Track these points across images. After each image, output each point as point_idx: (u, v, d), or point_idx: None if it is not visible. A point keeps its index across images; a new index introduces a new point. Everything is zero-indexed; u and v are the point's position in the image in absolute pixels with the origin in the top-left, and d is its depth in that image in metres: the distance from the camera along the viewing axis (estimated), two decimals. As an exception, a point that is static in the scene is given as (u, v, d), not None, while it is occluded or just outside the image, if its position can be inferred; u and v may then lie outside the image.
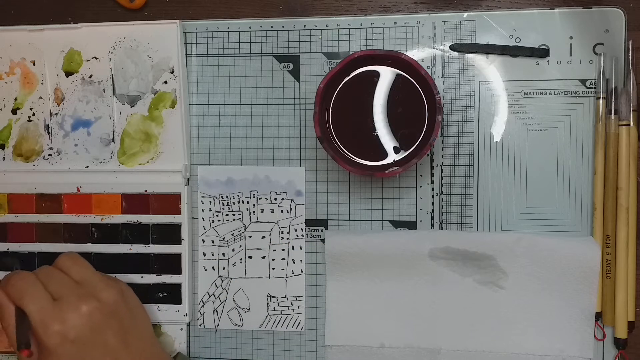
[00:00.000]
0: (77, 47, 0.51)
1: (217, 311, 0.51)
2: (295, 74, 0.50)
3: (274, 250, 0.50)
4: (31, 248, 0.52)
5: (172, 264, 0.51)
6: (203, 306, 0.51)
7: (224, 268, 0.51)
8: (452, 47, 0.48)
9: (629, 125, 0.46)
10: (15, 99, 0.52)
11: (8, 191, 0.52)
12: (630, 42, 0.46)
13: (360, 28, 0.49)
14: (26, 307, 0.40)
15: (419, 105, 0.45)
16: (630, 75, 0.45)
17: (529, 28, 0.47)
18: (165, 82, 0.50)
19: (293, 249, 0.50)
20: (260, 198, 0.51)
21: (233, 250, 0.51)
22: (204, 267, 0.51)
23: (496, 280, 0.47)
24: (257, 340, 0.51)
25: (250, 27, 0.50)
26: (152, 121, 0.50)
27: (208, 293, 0.51)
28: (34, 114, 0.52)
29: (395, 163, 0.45)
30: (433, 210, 0.49)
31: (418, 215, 0.49)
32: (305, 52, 0.50)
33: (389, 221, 0.50)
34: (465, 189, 0.49)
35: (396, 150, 0.45)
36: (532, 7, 0.48)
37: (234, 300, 0.51)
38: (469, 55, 0.48)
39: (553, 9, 0.47)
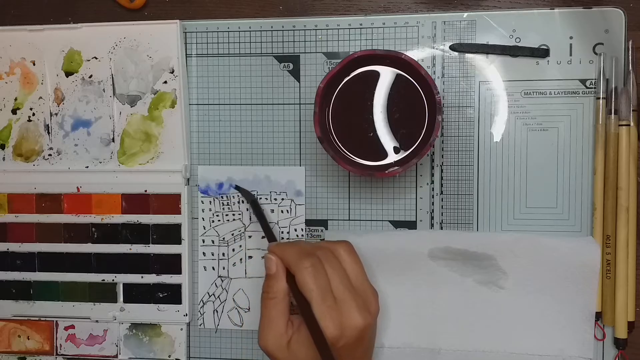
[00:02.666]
0: (77, 47, 0.51)
1: (217, 311, 0.51)
2: (295, 74, 0.50)
3: (274, 250, 0.50)
4: (31, 248, 0.52)
5: (172, 264, 0.51)
6: (203, 306, 0.51)
7: (224, 268, 0.51)
8: (452, 47, 0.48)
9: (629, 125, 0.46)
10: (15, 99, 0.52)
11: (8, 191, 0.53)
12: (630, 42, 0.46)
13: (360, 28, 0.49)
14: (312, 299, 0.38)
15: (419, 105, 0.45)
16: (630, 75, 0.45)
17: (529, 28, 0.47)
18: (165, 82, 0.50)
19: (293, 249, 0.50)
20: (260, 198, 0.51)
21: (233, 250, 0.51)
22: (204, 267, 0.51)
23: (496, 280, 0.47)
24: (257, 340, 0.51)
25: (250, 27, 0.50)
26: (152, 121, 0.50)
27: (208, 293, 0.51)
28: (34, 114, 0.52)
29: (395, 163, 0.45)
30: (433, 210, 0.49)
31: (418, 215, 0.49)
32: (305, 52, 0.50)
33: (389, 221, 0.50)
34: (465, 189, 0.49)
35: (396, 150, 0.45)
36: (532, 7, 0.48)
37: (234, 300, 0.51)
38: (469, 55, 0.48)
39: (553, 9, 0.47)
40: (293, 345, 0.40)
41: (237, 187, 0.50)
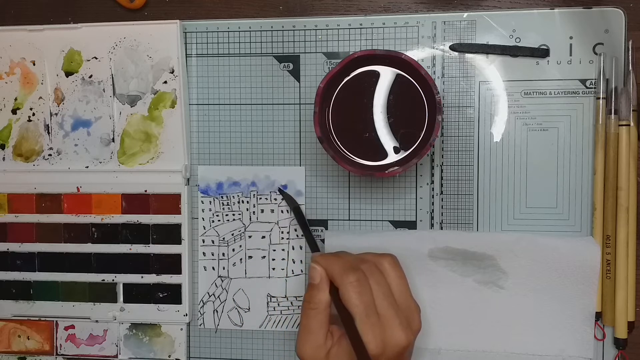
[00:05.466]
0: (77, 47, 0.51)
1: (217, 311, 0.51)
2: (295, 74, 0.50)
3: (274, 250, 0.50)
4: (31, 248, 0.52)
5: (172, 264, 0.51)
6: (203, 306, 0.51)
7: (224, 268, 0.51)
8: (452, 47, 0.48)
9: (629, 125, 0.46)
10: (15, 99, 0.52)
11: (8, 191, 0.53)
12: (630, 42, 0.46)
13: (360, 28, 0.49)
14: (356, 314, 0.38)
15: (419, 105, 0.45)
16: (630, 75, 0.45)
17: (529, 28, 0.47)
18: (165, 82, 0.50)
19: (293, 249, 0.50)
20: (260, 198, 0.51)
21: (233, 250, 0.51)
22: (204, 267, 0.51)
23: (496, 280, 0.48)
24: (257, 340, 0.51)
25: (250, 27, 0.50)
26: (152, 121, 0.50)
27: (208, 293, 0.51)
28: (34, 114, 0.52)
29: (395, 163, 0.45)
30: (433, 210, 0.49)
31: (418, 215, 0.49)
32: (305, 52, 0.50)
33: (389, 221, 0.50)
34: (465, 189, 0.49)
35: (396, 150, 0.45)
36: (532, 7, 0.48)
37: (234, 300, 0.51)
38: (469, 55, 0.48)
39: (553, 9, 0.47)
40: (332, 358, 0.39)
41: (280, 191, 0.50)
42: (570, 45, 0.47)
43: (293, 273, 0.50)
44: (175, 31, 0.49)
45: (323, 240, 0.50)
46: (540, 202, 0.48)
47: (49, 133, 0.52)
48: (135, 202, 0.51)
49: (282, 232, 0.50)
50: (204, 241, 0.51)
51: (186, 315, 0.51)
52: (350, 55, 0.44)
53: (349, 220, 0.50)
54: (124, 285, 0.51)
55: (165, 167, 0.50)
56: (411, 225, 0.49)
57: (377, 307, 0.39)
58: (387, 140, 0.45)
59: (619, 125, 0.46)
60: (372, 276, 0.40)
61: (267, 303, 0.51)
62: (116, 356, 0.52)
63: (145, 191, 0.51)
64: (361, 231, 0.50)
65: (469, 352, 0.48)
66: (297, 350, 0.40)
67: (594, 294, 0.47)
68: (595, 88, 0.47)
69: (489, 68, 0.48)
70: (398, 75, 0.45)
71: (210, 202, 0.51)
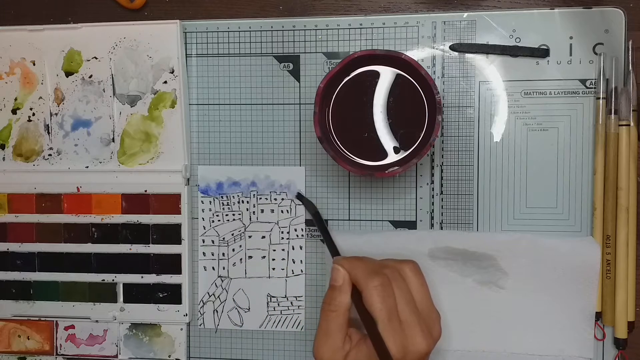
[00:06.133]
0: (77, 47, 0.51)
1: (217, 311, 0.51)
2: (295, 74, 0.50)
3: (274, 250, 0.50)
4: (31, 248, 0.52)
5: (172, 264, 0.51)
6: (203, 306, 0.51)
7: (224, 268, 0.51)
8: (452, 47, 0.48)
9: (629, 125, 0.46)
10: (15, 99, 0.52)
11: (8, 191, 0.53)
12: (630, 42, 0.46)
13: (360, 28, 0.49)
14: (379, 318, 0.38)
15: (419, 105, 0.45)
16: (630, 75, 0.45)
17: (529, 28, 0.47)
18: (165, 82, 0.50)
19: (293, 249, 0.50)
20: (260, 198, 0.51)
21: (233, 250, 0.51)
22: (204, 267, 0.51)
23: (496, 280, 0.48)
24: (257, 340, 0.51)
25: (250, 27, 0.50)
26: (152, 121, 0.50)
27: (208, 293, 0.51)
28: (34, 114, 0.52)
29: (395, 163, 0.45)
30: (433, 210, 0.49)
31: (418, 215, 0.49)
32: (305, 52, 0.50)
33: (389, 221, 0.50)
34: (465, 189, 0.49)
35: (396, 150, 0.45)
36: (532, 7, 0.48)
37: (234, 300, 0.51)
38: (469, 55, 0.48)
39: (553, 9, 0.47)
40: None
41: (299, 196, 0.50)
42: (570, 45, 0.47)
43: (293, 273, 0.50)
44: (175, 31, 0.49)
45: (323, 241, 0.50)
46: (540, 202, 0.48)
47: (49, 133, 0.52)
48: (135, 202, 0.51)
49: (282, 232, 0.50)
50: (204, 241, 0.51)
51: (186, 315, 0.51)
52: (350, 55, 0.44)
53: (349, 220, 0.50)
54: (124, 285, 0.51)
55: (165, 167, 0.50)
56: (411, 225, 0.49)
57: (399, 312, 0.39)
58: (387, 140, 0.45)
59: (619, 125, 0.46)
60: (394, 281, 0.40)
61: (267, 303, 0.51)
62: (116, 356, 0.52)
63: (145, 191, 0.51)
64: (361, 231, 0.50)
65: (469, 352, 0.48)
66: (314, 353, 0.40)
67: (594, 294, 0.47)
68: (595, 88, 0.47)
69: (489, 68, 0.48)
70: (398, 75, 0.45)
71: (210, 202, 0.51)
